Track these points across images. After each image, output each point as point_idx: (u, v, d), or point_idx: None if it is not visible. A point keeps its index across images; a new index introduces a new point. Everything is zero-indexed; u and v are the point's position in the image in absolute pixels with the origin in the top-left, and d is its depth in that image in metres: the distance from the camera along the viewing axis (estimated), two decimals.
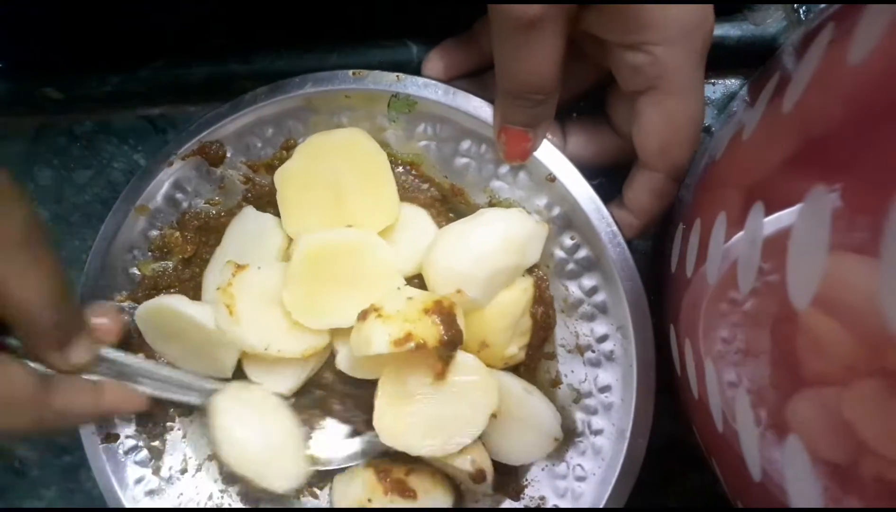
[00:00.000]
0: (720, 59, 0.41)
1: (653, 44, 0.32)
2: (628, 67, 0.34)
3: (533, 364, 0.42)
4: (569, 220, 0.40)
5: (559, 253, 0.41)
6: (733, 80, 0.43)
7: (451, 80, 0.41)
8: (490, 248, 0.38)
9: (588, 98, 0.41)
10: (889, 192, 0.16)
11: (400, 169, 0.42)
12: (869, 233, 0.17)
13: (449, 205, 0.43)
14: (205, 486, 0.45)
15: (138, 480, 0.43)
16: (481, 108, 0.38)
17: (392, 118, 0.40)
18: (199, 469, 0.45)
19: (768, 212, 0.24)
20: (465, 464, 0.39)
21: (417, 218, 0.42)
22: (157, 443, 0.44)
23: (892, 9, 0.19)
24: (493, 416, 0.39)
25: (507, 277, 0.39)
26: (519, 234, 0.38)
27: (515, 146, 0.38)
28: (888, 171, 0.17)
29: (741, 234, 0.26)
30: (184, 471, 0.45)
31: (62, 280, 0.33)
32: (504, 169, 0.40)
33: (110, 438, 0.43)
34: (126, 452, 0.43)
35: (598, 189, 0.38)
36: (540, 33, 0.31)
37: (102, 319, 0.38)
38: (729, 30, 0.41)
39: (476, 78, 0.41)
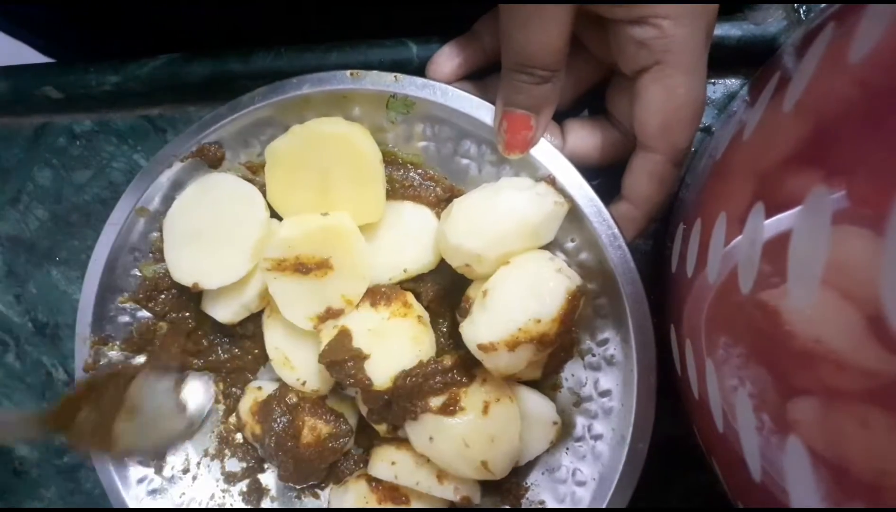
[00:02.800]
0: (720, 59, 0.41)
1: (661, 17, 0.32)
2: (634, 43, 0.33)
3: None
4: (570, 222, 0.39)
5: (560, 256, 0.41)
6: (733, 80, 0.43)
7: (455, 81, 0.41)
8: (503, 230, 0.37)
9: (587, 98, 0.41)
10: (891, 192, 0.16)
11: (404, 169, 0.42)
12: (870, 232, 0.17)
13: None
14: (207, 485, 0.45)
15: (141, 480, 0.43)
16: (480, 109, 0.38)
17: (391, 119, 0.40)
18: (200, 468, 0.45)
19: (769, 212, 0.24)
20: (448, 493, 0.39)
21: (423, 218, 0.42)
22: None
23: (892, 8, 0.19)
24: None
25: (519, 253, 0.39)
26: (535, 218, 0.37)
27: (516, 134, 0.37)
28: (890, 170, 0.17)
29: (742, 234, 0.26)
30: (186, 470, 0.45)
31: None
32: (504, 169, 0.40)
33: None
34: None
35: (598, 189, 0.38)
36: (548, 6, 0.32)
37: None
38: (729, 29, 0.41)
39: (478, 81, 0.41)
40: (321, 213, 0.40)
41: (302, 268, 0.39)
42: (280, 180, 0.41)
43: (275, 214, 0.42)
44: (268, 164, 0.41)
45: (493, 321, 0.36)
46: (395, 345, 0.39)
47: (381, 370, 0.38)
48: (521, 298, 0.36)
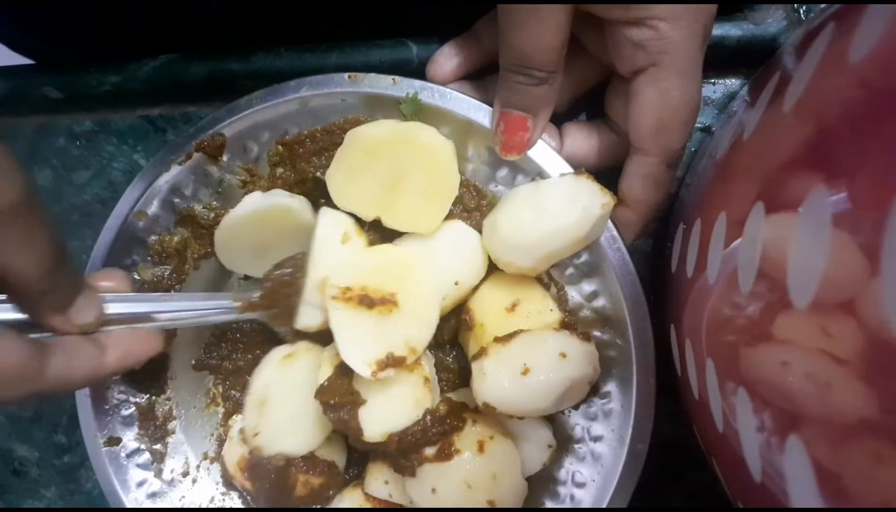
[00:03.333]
0: (720, 59, 0.41)
1: (657, 18, 0.32)
2: (631, 44, 0.33)
3: None
4: None
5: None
6: (733, 80, 0.43)
7: (454, 81, 0.41)
8: (555, 249, 0.37)
9: (586, 102, 0.41)
10: (890, 192, 0.16)
11: None
12: (870, 232, 0.17)
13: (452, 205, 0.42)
14: (206, 488, 0.45)
15: (140, 483, 0.43)
16: (478, 110, 0.38)
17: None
18: (200, 472, 0.45)
19: (769, 212, 0.24)
20: None
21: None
22: (158, 446, 0.44)
23: (892, 9, 0.19)
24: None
25: (567, 254, 0.38)
26: (584, 230, 0.36)
27: (513, 135, 0.37)
28: (889, 170, 0.17)
29: (742, 234, 0.26)
30: (185, 473, 0.45)
31: (58, 245, 0.31)
32: (502, 172, 0.40)
33: (112, 441, 0.43)
34: (128, 455, 0.43)
35: None
36: (545, 6, 0.32)
37: (107, 283, 0.37)
38: (729, 30, 0.41)
39: (477, 81, 0.41)
40: (376, 210, 0.39)
41: (366, 300, 0.37)
42: (348, 165, 0.39)
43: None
44: (344, 146, 0.39)
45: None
46: (395, 402, 0.37)
47: (376, 424, 0.37)
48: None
